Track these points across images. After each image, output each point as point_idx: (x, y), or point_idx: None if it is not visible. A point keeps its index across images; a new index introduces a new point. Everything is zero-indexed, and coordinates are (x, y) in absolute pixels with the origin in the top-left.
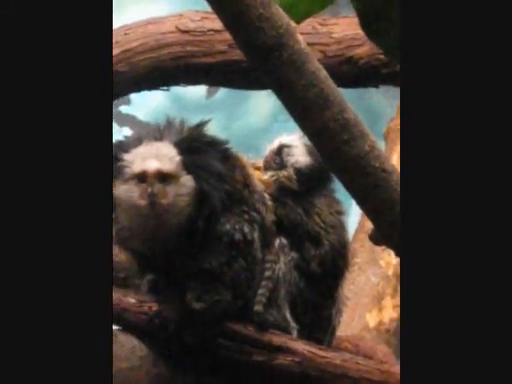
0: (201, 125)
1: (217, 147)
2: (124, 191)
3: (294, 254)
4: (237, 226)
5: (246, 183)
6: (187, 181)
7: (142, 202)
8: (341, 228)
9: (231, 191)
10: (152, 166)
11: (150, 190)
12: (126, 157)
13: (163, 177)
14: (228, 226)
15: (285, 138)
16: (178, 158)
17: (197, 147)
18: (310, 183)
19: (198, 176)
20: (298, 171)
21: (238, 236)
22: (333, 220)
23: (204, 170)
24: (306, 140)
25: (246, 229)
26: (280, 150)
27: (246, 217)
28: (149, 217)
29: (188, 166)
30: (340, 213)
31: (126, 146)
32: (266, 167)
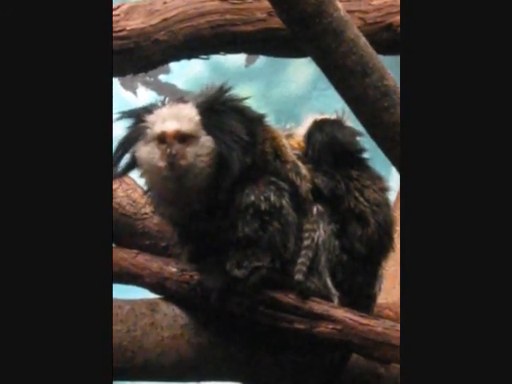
0: (224, 88)
1: (240, 112)
2: (146, 153)
3: (333, 226)
4: (262, 197)
5: (277, 154)
6: (207, 141)
7: (162, 164)
8: (386, 206)
9: (256, 161)
10: (171, 126)
11: (168, 150)
12: (149, 118)
13: (182, 137)
14: (253, 197)
15: None
16: (197, 118)
17: (217, 108)
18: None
19: (215, 136)
20: None
21: (264, 206)
22: (377, 198)
23: (222, 131)
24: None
25: (273, 197)
26: None
27: (273, 187)
28: (169, 178)
29: (207, 126)
30: (384, 190)
31: (151, 107)
32: None
